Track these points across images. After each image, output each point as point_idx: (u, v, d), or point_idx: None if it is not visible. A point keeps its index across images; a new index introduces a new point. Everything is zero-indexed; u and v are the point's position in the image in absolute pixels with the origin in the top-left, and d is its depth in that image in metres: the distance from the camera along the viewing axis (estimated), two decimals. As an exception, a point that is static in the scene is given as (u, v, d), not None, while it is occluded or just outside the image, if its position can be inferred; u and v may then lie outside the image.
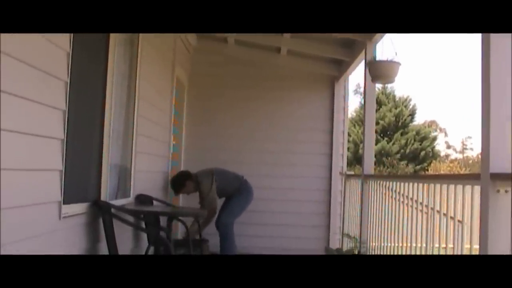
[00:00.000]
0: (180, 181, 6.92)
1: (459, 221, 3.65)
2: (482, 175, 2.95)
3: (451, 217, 3.75)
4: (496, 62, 2.91)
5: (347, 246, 6.89)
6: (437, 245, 4.02)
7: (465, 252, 3.51)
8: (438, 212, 3.99)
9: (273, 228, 8.56)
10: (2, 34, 2.56)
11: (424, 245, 4.21)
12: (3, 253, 2.73)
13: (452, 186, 3.72)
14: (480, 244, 2.95)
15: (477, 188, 3.18)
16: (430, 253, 4.06)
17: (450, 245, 3.72)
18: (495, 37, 2.91)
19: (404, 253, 4.65)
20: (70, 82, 3.57)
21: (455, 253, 3.59)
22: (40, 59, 3.15)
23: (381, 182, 5.70)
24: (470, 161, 41.95)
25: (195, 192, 7.00)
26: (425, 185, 4.24)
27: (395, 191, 5.10)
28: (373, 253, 5.54)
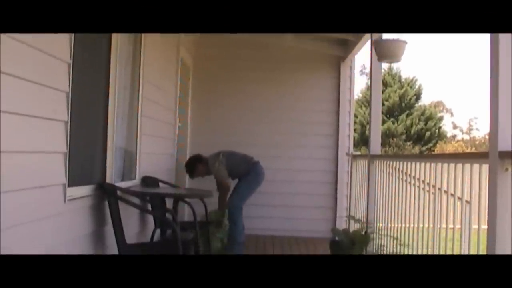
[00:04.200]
0: (191, 165, 6.97)
1: (466, 201, 3.62)
2: (491, 154, 2.90)
3: (458, 197, 3.72)
4: (506, 38, 2.86)
5: (353, 227, 6.87)
6: (444, 226, 3.98)
7: (473, 232, 3.48)
8: (446, 192, 3.95)
9: (280, 210, 8.58)
10: None
11: (431, 225, 4.18)
12: (8, 236, 2.72)
13: (459, 165, 3.68)
14: (488, 224, 2.91)
15: (485, 167, 3.15)
16: (437, 233, 4.03)
17: (458, 226, 3.69)
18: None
19: (410, 233, 4.63)
20: (73, 64, 3.54)
21: (463, 233, 3.55)
22: (42, 40, 3.12)
23: (388, 162, 5.66)
24: (477, 142, 41.79)
25: (208, 175, 7.00)
26: (432, 164, 4.20)
27: (402, 171, 5.07)
28: (379, 234, 5.51)
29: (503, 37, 2.87)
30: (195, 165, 6.93)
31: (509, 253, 2.78)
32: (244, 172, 6.93)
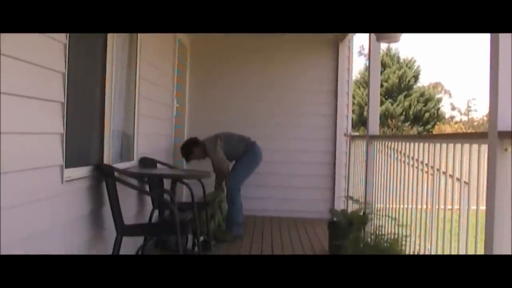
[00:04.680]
0: (187, 148, 6.93)
1: (465, 182, 3.60)
2: (490, 134, 2.88)
3: (457, 178, 3.70)
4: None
5: (352, 207, 6.87)
6: (442, 207, 3.98)
7: (471, 214, 3.47)
8: (444, 173, 3.94)
9: (278, 190, 8.60)
10: None
11: (429, 206, 4.18)
12: (6, 217, 2.71)
13: (458, 146, 3.66)
14: (486, 205, 2.90)
15: (484, 147, 3.13)
16: (436, 214, 4.03)
17: (456, 207, 3.68)
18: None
19: (409, 214, 4.62)
20: (69, 44, 3.51)
21: (461, 215, 3.55)
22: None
23: (386, 143, 5.65)
24: (475, 123, 41.79)
25: (204, 158, 6.99)
26: (431, 145, 4.18)
27: (401, 152, 5.05)
28: (378, 215, 5.51)
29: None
30: (191, 148, 6.90)
31: (508, 234, 2.77)
32: (241, 153, 6.92)
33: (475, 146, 3.40)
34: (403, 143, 4.97)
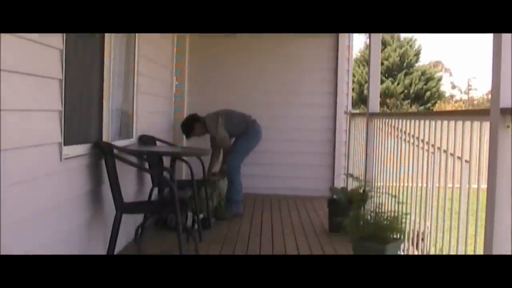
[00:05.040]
0: (188, 125, 6.87)
1: (466, 161, 3.58)
2: (492, 110, 2.85)
3: (458, 157, 3.68)
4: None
5: (352, 185, 6.87)
6: (443, 185, 3.96)
7: (472, 192, 3.45)
8: (445, 151, 3.92)
9: (278, 169, 8.60)
10: None
11: (429, 184, 4.16)
12: (5, 195, 2.69)
13: (459, 123, 3.63)
14: (488, 183, 2.88)
15: (486, 125, 3.10)
16: (436, 192, 4.01)
17: (457, 185, 3.66)
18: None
19: (409, 192, 4.61)
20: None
21: (462, 193, 3.53)
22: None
23: (386, 121, 5.62)
24: (475, 102, 41.70)
25: (204, 135, 6.96)
26: (432, 122, 4.15)
27: (401, 130, 5.03)
28: (378, 192, 5.50)
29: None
30: (192, 125, 6.85)
31: (508, 213, 2.76)
32: (242, 131, 6.89)
33: (476, 124, 3.37)
34: (404, 121, 4.95)
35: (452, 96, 44.49)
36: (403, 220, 4.37)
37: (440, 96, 35.25)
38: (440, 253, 3.82)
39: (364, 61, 31.72)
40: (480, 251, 3.06)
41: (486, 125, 3.06)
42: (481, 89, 46.98)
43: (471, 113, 4.29)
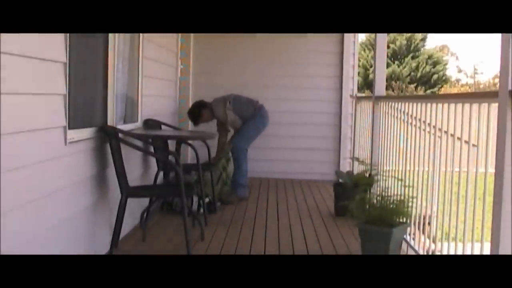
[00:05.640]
0: (196, 111, 6.84)
1: (474, 145, 3.55)
2: (500, 92, 2.81)
3: (465, 141, 3.64)
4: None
5: (358, 169, 6.84)
6: (450, 169, 3.93)
7: (479, 176, 3.41)
8: (452, 135, 3.88)
9: (284, 152, 8.60)
10: None
11: (436, 168, 4.13)
12: (10, 178, 2.69)
13: (467, 105, 3.59)
14: (496, 167, 2.85)
15: (494, 107, 3.06)
16: (442, 177, 3.99)
17: (464, 169, 3.62)
18: None
19: (415, 176, 4.58)
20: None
21: (469, 177, 3.50)
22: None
23: (393, 104, 5.57)
24: (481, 86, 41.52)
25: (212, 120, 6.94)
26: (439, 105, 4.11)
27: (407, 113, 4.99)
28: (384, 176, 5.47)
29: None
30: (200, 111, 6.81)
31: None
32: (249, 116, 6.87)
33: (484, 107, 3.32)
34: (410, 104, 4.90)
35: (458, 80, 44.32)
36: (409, 204, 4.35)
37: (446, 80, 35.11)
38: (446, 237, 3.80)
39: (370, 45, 31.58)
40: (487, 236, 3.04)
41: (494, 108, 3.02)
42: (488, 73, 46.74)
43: (479, 95, 4.24)
